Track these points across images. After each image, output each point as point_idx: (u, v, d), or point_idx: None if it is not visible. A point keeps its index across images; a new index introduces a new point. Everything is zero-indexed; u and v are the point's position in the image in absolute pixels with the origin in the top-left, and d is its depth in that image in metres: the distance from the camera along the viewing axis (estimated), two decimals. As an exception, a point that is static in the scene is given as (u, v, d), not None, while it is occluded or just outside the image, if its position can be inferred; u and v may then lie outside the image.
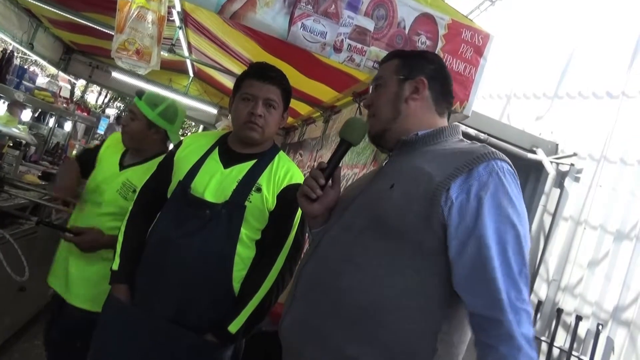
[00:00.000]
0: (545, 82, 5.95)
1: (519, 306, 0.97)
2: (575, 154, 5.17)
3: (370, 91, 1.34)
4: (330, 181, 1.26)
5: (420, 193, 1.05)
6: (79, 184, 2.14)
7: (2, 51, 3.52)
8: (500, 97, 6.70)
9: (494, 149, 1.09)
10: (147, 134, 2.08)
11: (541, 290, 4.63)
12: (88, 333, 2.05)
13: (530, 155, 5.36)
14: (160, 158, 2.11)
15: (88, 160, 2.21)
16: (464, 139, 1.25)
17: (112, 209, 2.02)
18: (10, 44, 4.51)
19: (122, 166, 2.09)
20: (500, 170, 1.04)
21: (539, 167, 5.38)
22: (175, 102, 2.17)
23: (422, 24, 1.77)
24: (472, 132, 4.78)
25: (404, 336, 1.04)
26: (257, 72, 1.58)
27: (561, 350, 4.47)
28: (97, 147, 2.28)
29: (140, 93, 2.11)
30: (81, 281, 2.01)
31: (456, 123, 1.29)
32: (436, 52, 1.79)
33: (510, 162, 1.10)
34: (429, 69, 1.26)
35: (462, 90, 1.81)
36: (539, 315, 4.37)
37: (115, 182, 2.04)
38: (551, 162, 5.21)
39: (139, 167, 2.08)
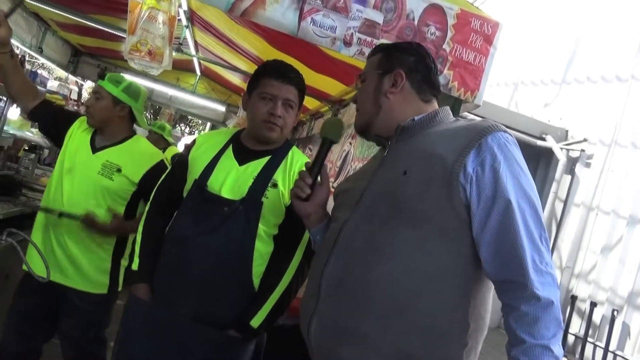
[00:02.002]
0: (553, 68, 5.90)
1: (543, 269, 1.00)
2: (585, 140, 5.14)
3: (356, 87, 1.38)
4: (319, 179, 1.32)
5: (437, 175, 1.07)
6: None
7: (13, 56, 3.55)
8: (507, 84, 6.66)
9: (494, 122, 1.13)
10: (113, 111, 2.10)
11: (555, 277, 4.62)
12: (104, 318, 2.05)
13: (539, 143, 5.34)
14: (133, 141, 2.16)
15: (60, 118, 2.19)
16: (459, 118, 1.29)
17: (97, 192, 2.03)
18: (18, 47, 4.55)
19: (95, 148, 2.10)
20: (506, 141, 1.09)
21: (548, 154, 5.36)
22: (137, 83, 2.24)
23: (431, 15, 1.78)
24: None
25: (441, 318, 1.07)
26: (277, 72, 1.57)
27: (576, 337, 4.47)
28: (72, 115, 2.25)
29: (102, 75, 2.19)
30: (95, 267, 2.04)
31: (445, 107, 1.32)
32: (446, 42, 1.79)
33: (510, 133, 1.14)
34: (407, 61, 1.28)
35: (472, 79, 1.81)
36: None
37: (93, 165, 2.05)
38: (561, 148, 5.19)
39: (113, 148, 2.10)
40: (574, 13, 5.79)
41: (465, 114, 1.97)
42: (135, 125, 2.22)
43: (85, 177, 2.04)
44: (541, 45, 6.23)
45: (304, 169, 1.62)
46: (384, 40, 1.75)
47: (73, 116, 2.22)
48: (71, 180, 2.04)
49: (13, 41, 4.13)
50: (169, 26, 2.15)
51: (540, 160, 5.61)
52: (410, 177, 1.11)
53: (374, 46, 1.75)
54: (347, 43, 1.74)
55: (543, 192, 5.35)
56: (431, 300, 1.07)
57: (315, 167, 1.31)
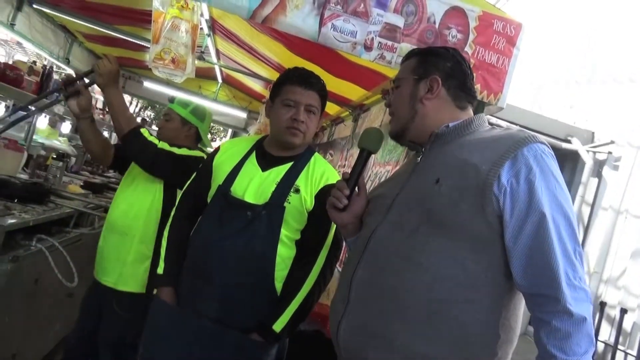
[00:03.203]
0: (578, 68, 5.78)
1: (577, 284, 0.99)
2: (612, 142, 5.01)
3: (390, 91, 1.36)
4: (356, 189, 1.31)
5: (470, 185, 1.06)
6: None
7: (42, 67, 3.67)
8: (531, 85, 6.54)
9: (531, 132, 1.12)
10: (181, 131, 2.26)
11: (583, 282, 4.52)
12: (141, 324, 2.14)
13: (565, 145, 5.23)
14: (189, 152, 2.23)
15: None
16: (494, 126, 1.27)
17: (145, 182, 2.14)
18: (46, 59, 4.69)
19: None
20: (543, 153, 1.07)
21: (574, 156, 5.25)
22: (202, 105, 2.38)
23: (452, 18, 1.76)
24: (503, 124, 4.69)
25: (471, 328, 1.05)
26: (299, 79, 1.62)
27: (606, 344, 4.34)
28: None
29: (172, 99, 2.34)
30: (138, 264, 2.11)
31: (481, 114, 1.30)
32: (468, 44, 1.78)
33: (548, 144, 1.12)
34: (444, 67, 1.26)
35: (495, 82, 1.79)
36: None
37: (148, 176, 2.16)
38: (587, 151, 5.07)
39: None
40: (599, 12, 5.66)
41: (488, 117, 1.95)
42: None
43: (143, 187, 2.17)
44: (566, 45, 6.11)
45: (326, 175, 1.63)
46: (404, 44, 1.74)
47: None
48: (128, 192, 2.17)
49: (42, 53, 4.27)
50: (192, 35, 2.19)
51: (565, 163, 5.49)
52: (443, 186, 1.10)
53: (394, 50, 1.75)
54: (368, 48, 1.74)
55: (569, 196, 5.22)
56: (461, 309, 1.05)
57: (353, 178, 1.29)
